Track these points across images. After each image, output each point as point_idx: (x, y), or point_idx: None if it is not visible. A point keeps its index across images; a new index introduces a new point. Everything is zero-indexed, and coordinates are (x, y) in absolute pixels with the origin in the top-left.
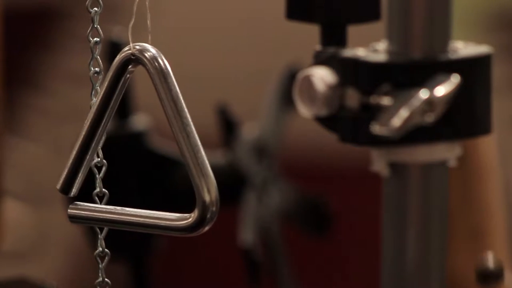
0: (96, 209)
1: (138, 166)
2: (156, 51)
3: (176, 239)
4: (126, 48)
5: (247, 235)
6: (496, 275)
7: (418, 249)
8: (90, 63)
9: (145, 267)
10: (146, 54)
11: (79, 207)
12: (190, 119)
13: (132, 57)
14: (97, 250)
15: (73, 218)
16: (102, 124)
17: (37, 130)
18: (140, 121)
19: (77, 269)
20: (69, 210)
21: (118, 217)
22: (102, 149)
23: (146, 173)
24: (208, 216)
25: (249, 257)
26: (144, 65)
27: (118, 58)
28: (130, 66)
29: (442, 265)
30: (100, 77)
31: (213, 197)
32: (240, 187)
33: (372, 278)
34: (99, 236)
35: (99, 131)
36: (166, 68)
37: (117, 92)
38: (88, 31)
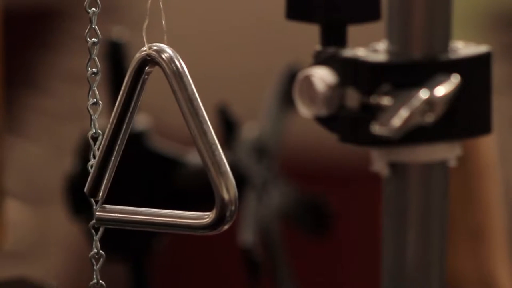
0: (123, 210)
1: (138, 166)
2: (172, 51)
3: (176, 239)
4: (143, 49)
5: (247, 235)
6: None
7: (418, 249)
8: (88, 63)
9: (145, 267)
10: (162, 55)
11: (107, 209)
12: (206, 118)
13: (148, 58)
14: (92, 252)
15: (102, 221)
16: (125, 126)
17: (37, 130)
18: (140, 121)
19: (77, 269)
20: (98, 214)
21: (141, 218)
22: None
23: (146, 173)
24: (228, 214)
25: (249, 257)
26: (160, 65)
27: (135, 59)
28: (147, 67)
29: (442, 265)
30: (98, 77)
31: (232, 195)
32: (240, 187)
33: (372, 278)
34: (94, 237)
35: (122, 133)
36: (182, 68)
37: (137, 93)
38: (86, 31)
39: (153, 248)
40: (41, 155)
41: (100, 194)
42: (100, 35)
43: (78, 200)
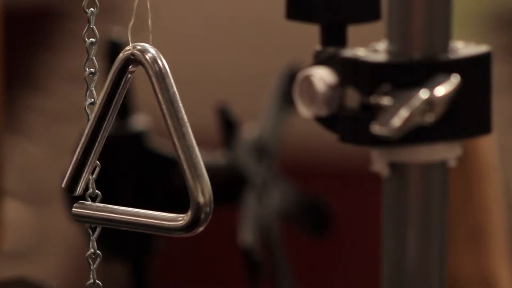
0: (99, 208)
1: (138, 166)
2: (156, 51)
3: (176, 239)
4: (127, 48)
5: (247, 235)
6: None
7: (418, 249)
8: (85, 63)
9: (145, 267)
10: (145, 55)
11: (84, 206)
12: (186, 120)
13: (131, 57)
14: (89, 252)
15: (77, 217)
16: (105, 123)
17: (37, 130)
18: (140, 121)
19: (77, 269)
20: (73, 209)
21: (116, 216)
22: (102, 149)
23: (146, 173)
24: (202, 217)
25: (249, 257)
26: (143, 65)
27: (119, 58)
28: (130, 66)
29: (442, 265)
30: (96, 77)
31: (207, 198)
32: (240, 187)
33: (372, 278)
34: (91, 237)
35: (102, 131)
36: (165, 69)
37: (119, 92)
38: (84, 31)
39: (153, 248)
40: (41, 155)
41: (78, 190)
42: (98, 35)
43: (78, 200)
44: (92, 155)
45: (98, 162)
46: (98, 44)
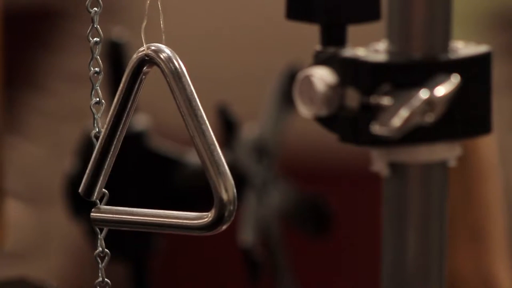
0: (118, 211)
1: (138, 166)
2: (171, 51)
3: (176, 239)
4: (141, 49)
5: (247, 235)
6: None
7: (418, 249)
8: (90, 63)
9: (145, 267)
10: (160, 55)
11: (101, 210)
12: (205, 118)
13: (146, 58)
14: (97, 250)
15: (97, 222)
16: (121, 126)
17: (37, 130)
18: (140, 121)
19: (77, 269)
20: (92, 214)
21: (137, 219)
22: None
23: (146, 173)
24: (226, 214)
25: (249, 257)
26: (158, 65)
27: (133, 59)
28: (145, 67)
29: (442, 265)
30: (100, 77)
31: (231, 195)
32: (240, 187)
33: (372, 278)
34: (99, 236)
35: (118, 133)
36: (181, 68)
37: (134, 93)
38: (88, 31)
39: (153, 248)
40: (41, 155)
41: (95, 195)
42: (102, 35)
43: (78, 200)
44: (108, 159)
45: None
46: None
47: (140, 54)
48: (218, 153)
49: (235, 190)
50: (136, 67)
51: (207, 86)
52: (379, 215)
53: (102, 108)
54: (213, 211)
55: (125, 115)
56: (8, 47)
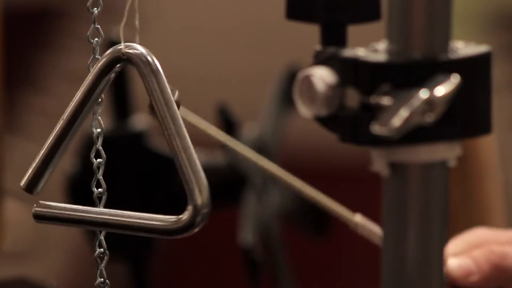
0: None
1: (138, 166)
2: (147, 51)
3: (176, 239)
4: (118, 46)
5: (247, 235)
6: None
7: (418, 249)
8: (89, 63)
9: (145, 267)
10: (137, 54)
11: (46, 205)
12: (181, 120)
13: (122, 56)
14: (97, 251)
15: (37, 217)
16: (77, 121)
17: (37, 130)
18: (140, 121)
19: (77, 269)
20: (34, 209)
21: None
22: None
23: (146, 173)
24: (199, 219)
25: (249, 257)
26: (134, 64)
27: (107, 55)
28: (118, 65)
29: (442, 265)
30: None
31: (205, 198)
32: (240, 187)
33: (372, 278)
34: (99, 236)
35: (72, 129)
36: (157, 69)
37: (98, 90)
38: (89, 31)
39: (153, 248)
40: None
41: (38, 190)
42: (103, 35)
43: (78, 200)
44: (57, 155)
45: (101, 160)
46: (101, 44)
47: (115, 51)
48: (192, 156)
49: (209, 194)
50: (109, 63)
51: (207, 86)
52: (379, 215)
53: (101, 108)
54: (186, 213)
55: (83, 110)
56: (8, 47)
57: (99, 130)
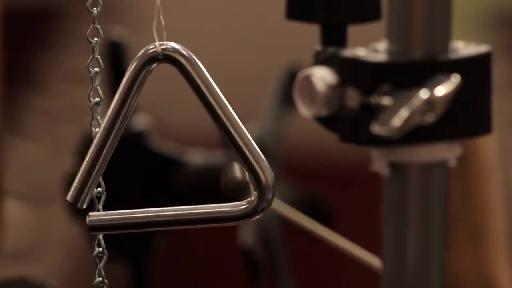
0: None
1: (138, 166)
2: (183, 47)
3: (176, 239)
4: (151, 47)
5: (247, 235)
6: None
7: (418, 249)
8: (89, 63)
9: (145, 267)
10: (178, 52)
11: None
12: (231, 109)
13: (158, 55)
14: (96, 251)
15: (94, 229)
16: (119, 124)
17: (37, 130)
18: (140, 121)
19: (77, 269)
20: (89, 222)
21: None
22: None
23: (146, 173)
24: (268, 197)
25: (249, 257)
26: (175, 63)
27: (141, 56)
28: (153, 65)
29: (442, 265)
30: (100, 77)
31: (270, 180)
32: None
33: (372, 278)
34: (98, 236)
35: (114, 132)
36: (198, 64)
37: (135, 91)
38: (88, 31)
39: (153, 248)
40: (41, 155)
41: (86, 201)
42: (102, 34)
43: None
44: (99, 164)
45: None
46: (100, 44)
47: (150, 51)
48: (251, 141)
49: (273, 176)
50: (143, 64)
51: None
52: (379, 215)
53: (100, 107)
54: (254, 196)
55: (124, 113)
56: (8, 47)
57: (97, 129)
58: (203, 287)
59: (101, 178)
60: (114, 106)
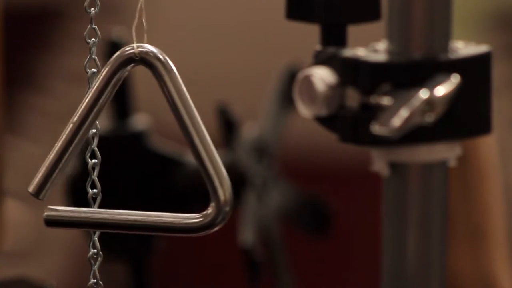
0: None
1: (138, 166)
2: (160, 51)
3: (176, 239)
4: (128, 48)
5: (247, 235)
6: None
7: (418, 249)
8: (86, 64)
9: (145, 267)
10: (154, 55)
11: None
12: (199, 118)
13: (135, 57)
14: (90, 252)
15: (50, 223)
16: (86, 125)
17: (37, 130)
18: (140, 121)
19: (77, 269)
20: (45, 215)
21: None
22: (101, 148)
23: (146, 173)
24: (223, 215)
25: (249, 257)
26: (150, 65)
27: (118, 56)
28: (129, 66)
29: (442, 265)
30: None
31: (228, 196)
32: (240, 187)
33: (372, 278)
34: (93, 237)
35: (81, 132)
36: (172, 69)
37: (108, 91)
38: (86, 31)
39: (153, 248)
40: (41, 155)
41: (47, 195)
42: (99, 35)
43: (78, 200)
44: (65, 160)
45: (97, 161)
46: (99, 44)
47: (127, 51)
48: (214, 154)
49: (231, 191)
50: (120, 64)
51: (207, 86)
52: (379, 215)
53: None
54: (211, 209)
55: (96, 111)
56: (8, 47)
57: (94, 130)
58: (203, 287)
59: (96, 179)
60: (86, 103)
